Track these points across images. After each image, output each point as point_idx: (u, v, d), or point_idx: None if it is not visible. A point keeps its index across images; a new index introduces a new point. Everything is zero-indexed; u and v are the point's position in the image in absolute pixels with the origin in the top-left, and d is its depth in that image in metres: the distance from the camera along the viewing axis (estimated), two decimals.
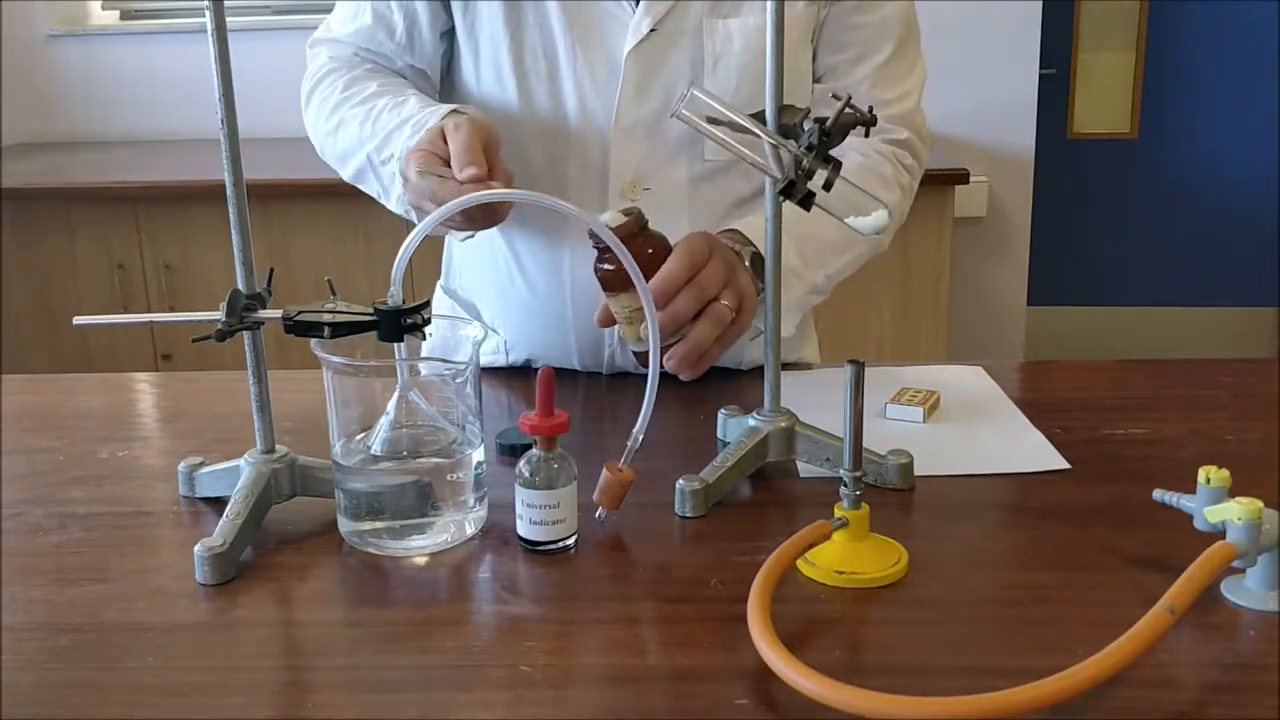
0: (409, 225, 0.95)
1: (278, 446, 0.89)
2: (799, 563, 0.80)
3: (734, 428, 1.01)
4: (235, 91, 0.82)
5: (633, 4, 1.13)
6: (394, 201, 1.15)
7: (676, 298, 1.02)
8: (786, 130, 0.86)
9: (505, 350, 1.27)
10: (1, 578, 0.82)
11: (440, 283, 1.37)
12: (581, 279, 1.18)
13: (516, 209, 1.20)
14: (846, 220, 0.86)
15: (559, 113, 1.16)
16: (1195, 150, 4.01)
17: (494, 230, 1.23)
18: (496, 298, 1.27)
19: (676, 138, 1.16)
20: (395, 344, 0.83)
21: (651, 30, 1.13)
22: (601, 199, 1.16)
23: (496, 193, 0.94)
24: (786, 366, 1.25)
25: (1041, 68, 3.29)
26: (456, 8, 1.18)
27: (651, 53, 1.13)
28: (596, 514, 0.86)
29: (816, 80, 1.23)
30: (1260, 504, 0.73)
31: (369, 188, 1.19)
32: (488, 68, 1.18)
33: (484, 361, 1.26)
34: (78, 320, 0.85)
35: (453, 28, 1.20)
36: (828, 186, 0.84)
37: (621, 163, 1.16)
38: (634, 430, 0.86)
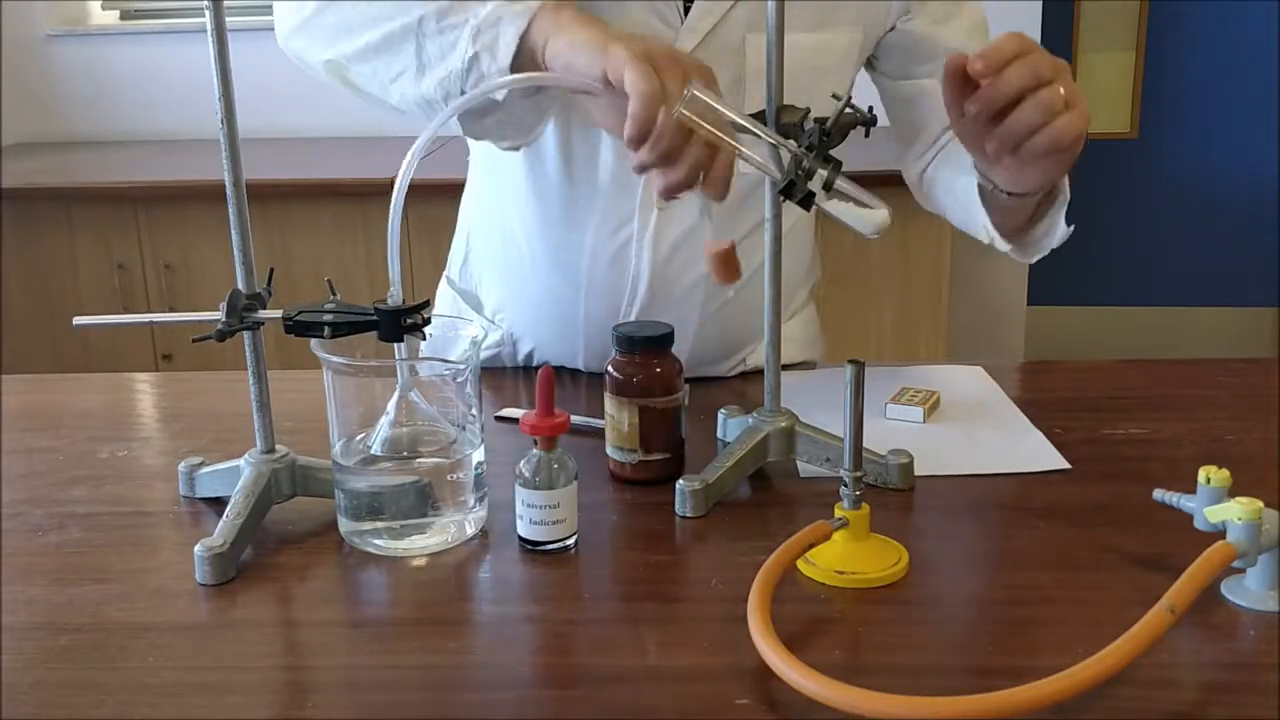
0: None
1: (278, 446, 0.89)
2: (799, 563, 0.80)
3: (734, 428, 1.01)
4: (235, 91, 0.82)
5: (680, 17, 1.12)
6: (432, 80, 0.98)
7: (1007, 69, 0.90)
8: (786, 130, 0.86)
9: (511, 342, 1.26)
10: (1, 578, 0.82)
11: (445, 274, 1.36)
12: (598, 281, 1.18)
13: (531, 209, 1.19)
14: (846, 220, 0.86)
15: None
16: (1195, 150, 4.01)
17: (514, 220, 1.21)
18: (506, 289, 1.26)
19: None
20: (395, 344, 0.83)
21: (700, 42, 1.11)
22: (631, 206, 1.15)
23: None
24: (792, 367, 1.25)
25: None
26: None
27: None
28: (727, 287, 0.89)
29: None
30: (1260, 504, 0.73)
31: (384, 72, 1.02)
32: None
33: (486, 355, 1.25)
34: (78, 320, 0.85)
35: None
36: (827, 186, 0.84)
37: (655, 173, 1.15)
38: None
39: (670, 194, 0.89)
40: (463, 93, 0.97)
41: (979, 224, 1.12)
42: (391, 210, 0.82)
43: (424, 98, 1.00)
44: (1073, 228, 1.11)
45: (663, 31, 1.11)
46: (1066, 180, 1.08)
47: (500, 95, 0.97)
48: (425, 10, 0.98)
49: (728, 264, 0.91)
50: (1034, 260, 1.15)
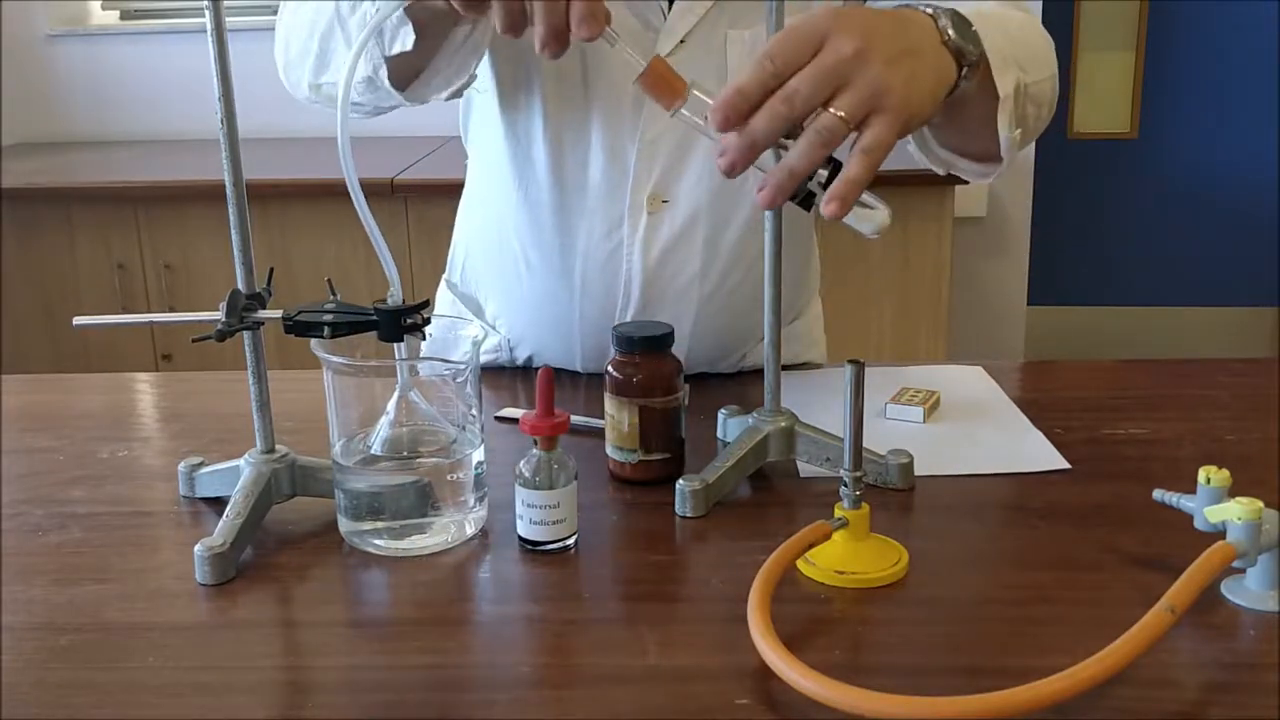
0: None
1: (278, 446, 0.89)
2: (799, 563, 0.80)
3: (734, 428, 1.01)
4: (235, 91, 0.82)
5: (663, 16, 1.12)
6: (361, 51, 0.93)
7: (756, 115, 0.75)
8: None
9: (508, 348, 1.27)
10: (1, 578, 0.82)
11: (444, 277, 1.36)
12: (592, 284, 1.18)
13: (523, 213, 1.19)
14: (846, 220, 0.86)
15: (584, 120, 1.14)
16: (1195, 150, 4.02)
17: (508, 225, 1.21)
18: (503, 293, 1.26)
19: (701, 152, 1.15)
20: (395, 344, 0.83)
21: (680, 42, 1.11)
22: (621, 210, 1.15)
23: None
24: (794, 368, 1.25)
25: None
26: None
27: (680, 65, 1.11)
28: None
29: None
30: (1260, 504, 0.73)
31: (331, 66, 1.04)
32: (515, 67, 1.16)
33: (485, 360, 1.26)
34: (78, 320, 0.85)
35: None
36: (827, 186, 0.83)
37: (643, 174, 1.15)
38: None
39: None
40: (385, 56, 0.97)
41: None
42: (339, 134, 0.79)
43: (364, 75, 1.00)
44: (1019, 131, 0.98)
45: (643, 32, 1.11)
46: (1004, 78, 0.92)
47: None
48: (340, 3, 1.00)
49: (665, 80, 0.80)
50: (991, 179, 1.07)
